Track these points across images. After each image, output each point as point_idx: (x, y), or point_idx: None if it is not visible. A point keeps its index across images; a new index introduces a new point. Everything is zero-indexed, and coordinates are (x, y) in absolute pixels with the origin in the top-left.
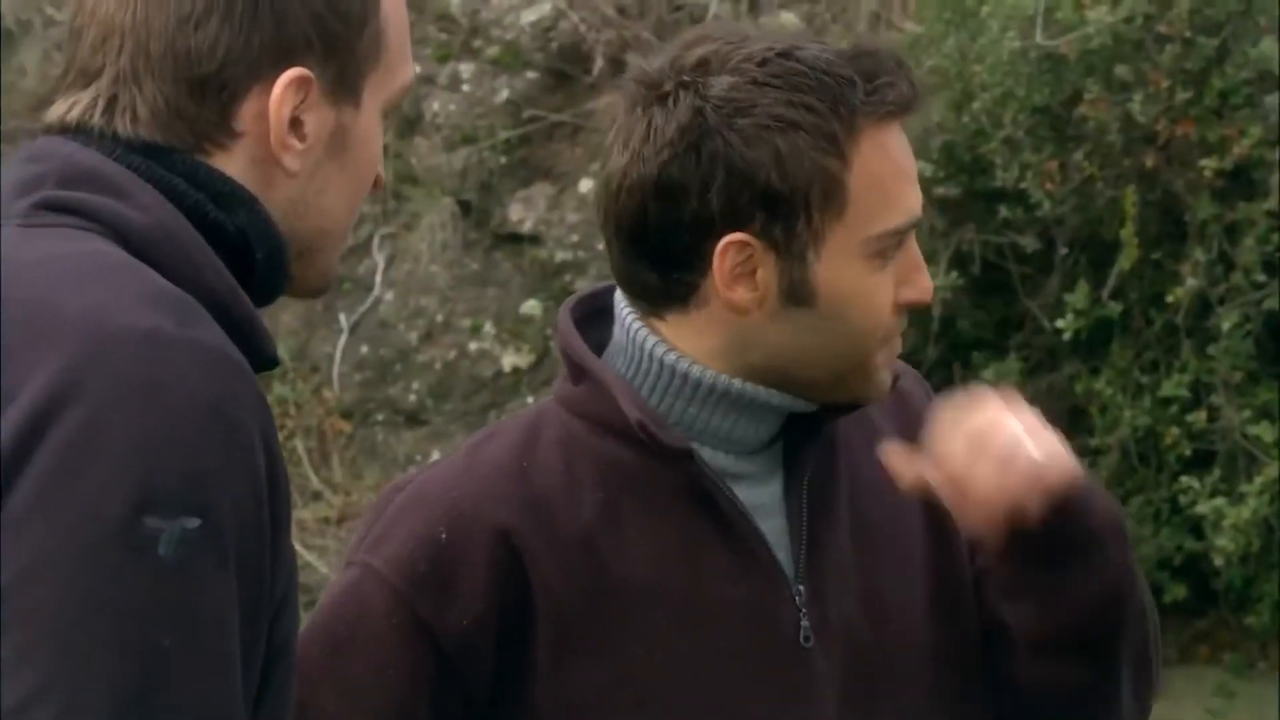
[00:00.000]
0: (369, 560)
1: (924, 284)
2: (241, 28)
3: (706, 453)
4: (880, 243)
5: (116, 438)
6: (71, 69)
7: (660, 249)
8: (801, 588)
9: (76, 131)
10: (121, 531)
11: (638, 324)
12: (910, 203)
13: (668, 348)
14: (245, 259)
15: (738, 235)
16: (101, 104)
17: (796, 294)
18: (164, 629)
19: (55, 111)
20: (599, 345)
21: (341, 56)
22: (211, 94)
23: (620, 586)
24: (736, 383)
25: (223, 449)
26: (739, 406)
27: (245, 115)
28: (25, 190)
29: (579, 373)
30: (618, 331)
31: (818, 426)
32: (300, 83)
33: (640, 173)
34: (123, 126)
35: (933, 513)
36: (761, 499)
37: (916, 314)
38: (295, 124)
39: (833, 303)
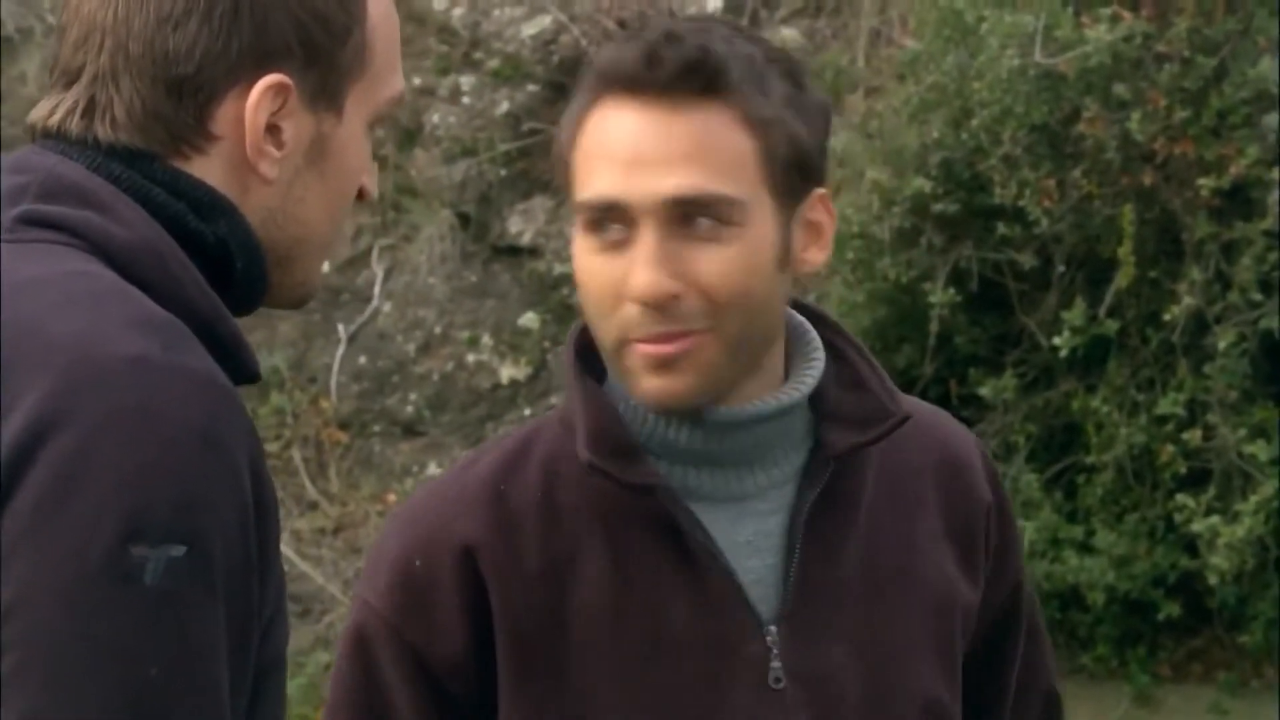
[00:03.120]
0: (365, 595)
1: (633, 280)
2: (221, 30)
3: (692, 475)
4: (580, 212)
5: (104, 466)
6: (56, 68)
7: None
8: (774, 628)
9: (57, 137)
10: (109, 561)
11: None
12: (601, 185)
13: None
14: (225, 268)
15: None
16: (81, 106)
17: None
18: (151, 658)
19: (38, 112)
20: None
21: (323, 65)
22: (188, 95)
23: (581, 616)
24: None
25: (211, 476)
26: (702, 424)
27: (222, 119)
28: (9, 203)
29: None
30: None
31: (833, 466)
32: (278, 89)
33: None
34: (103, 131)
35: (943, 579)
36: (752, 533)
37: (913, 330)
38: (273, 130)
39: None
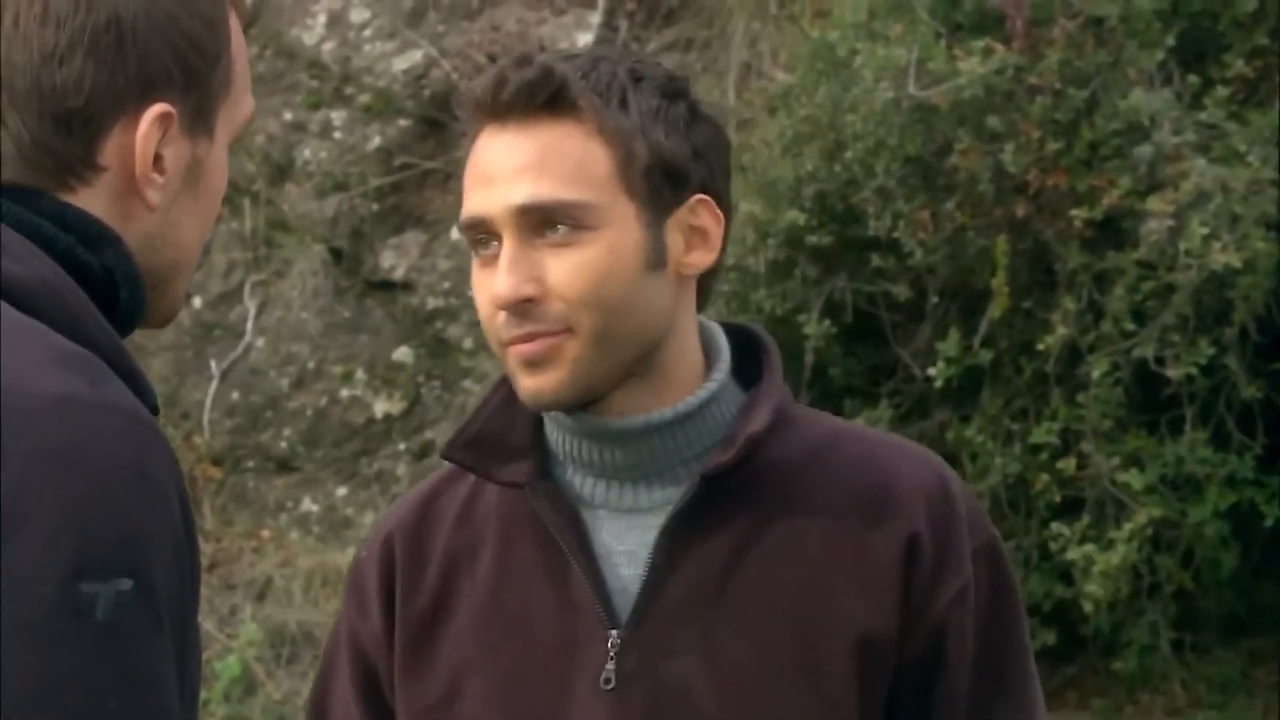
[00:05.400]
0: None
1: (495, 287)
2: (106, 63)
3: (590, 485)
4: (462, 234)
5: (46, 507)
6: None
7: None
8: (614, 633)
9: None
10: (61, 599)
11: None
12: (469, 205)
13: None
14: (109, 298)
15: None
16: None
17: None
18: (109, 692)
19: None
20: None
21: (198, 90)
22: (77, 129)
23: (463, 605)
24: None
25: (147, 509)
26: (576, 431)
27: (109, 150)
28: None
29: None
30: None
31: (698, 486)
32: (164, 118)
33: None
34: None
35: (833, 607)
36: (634, 544)
37: (789, 362)
38: (156, 158)
39: None
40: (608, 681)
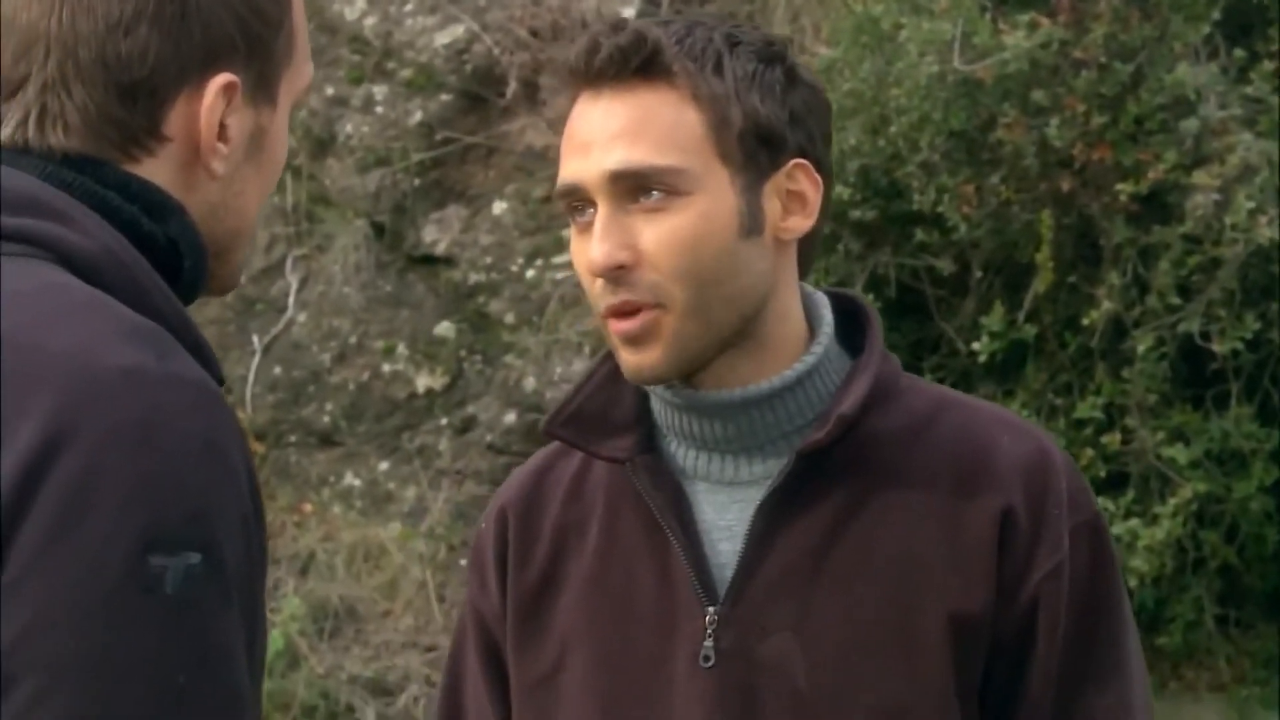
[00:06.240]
0: None
1: (590, 253)
2: (170, 33)
3: (692, 457)
4: (558, 200)
5: (115, 480)
6: None
7: None
8: (712, 609)
9: (7, 149)
10: (129, 573)
11: None
12: (564, 172)
13: None
14: (173, 268)
15: None
16: (33, 116)
17: None
18: (179, 666)
19: None
20: None
21: (261, 58)
22: (142, 99)
23: (573, 578)
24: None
25: (217, 483)
26: (676, 404)
27: (174, 120)
28: None
29: None
30: None
31: (794, 461)
32: (228, 88)
33: None
34: (54, 139)
35: (927, 582)
36: (734, 519)
37: None
38: (221, 127)
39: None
40: (707, 659)
